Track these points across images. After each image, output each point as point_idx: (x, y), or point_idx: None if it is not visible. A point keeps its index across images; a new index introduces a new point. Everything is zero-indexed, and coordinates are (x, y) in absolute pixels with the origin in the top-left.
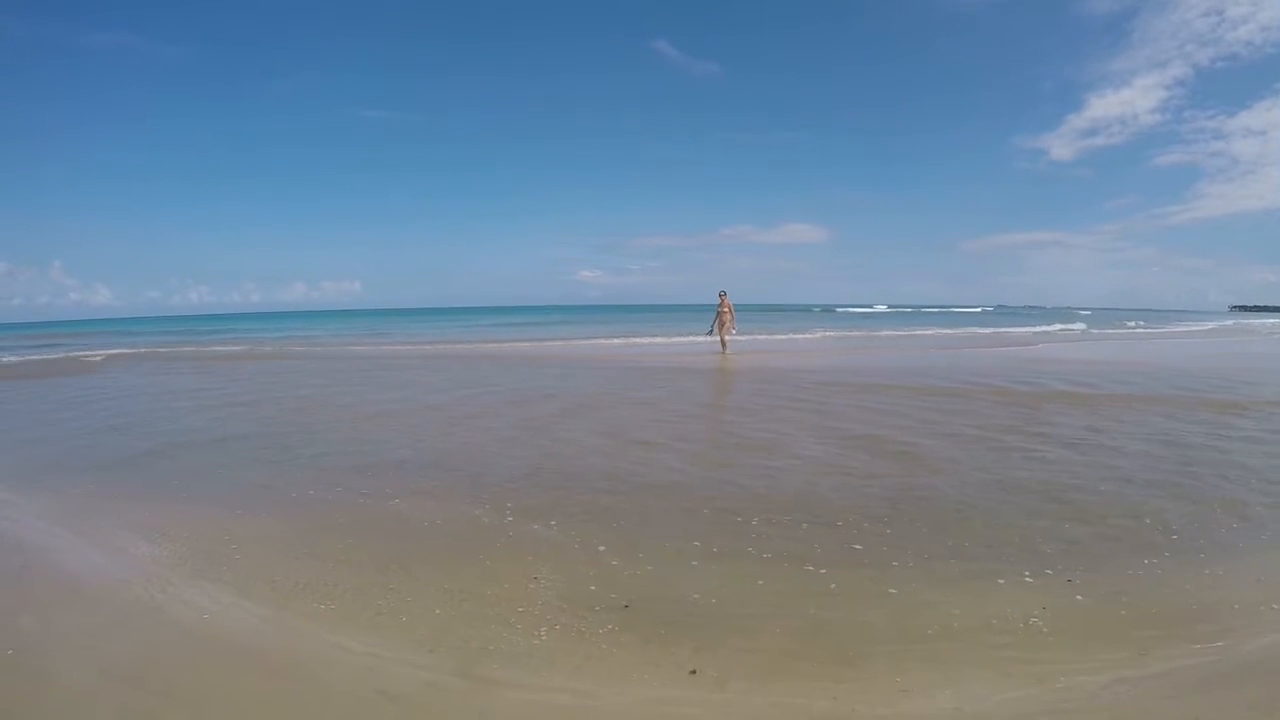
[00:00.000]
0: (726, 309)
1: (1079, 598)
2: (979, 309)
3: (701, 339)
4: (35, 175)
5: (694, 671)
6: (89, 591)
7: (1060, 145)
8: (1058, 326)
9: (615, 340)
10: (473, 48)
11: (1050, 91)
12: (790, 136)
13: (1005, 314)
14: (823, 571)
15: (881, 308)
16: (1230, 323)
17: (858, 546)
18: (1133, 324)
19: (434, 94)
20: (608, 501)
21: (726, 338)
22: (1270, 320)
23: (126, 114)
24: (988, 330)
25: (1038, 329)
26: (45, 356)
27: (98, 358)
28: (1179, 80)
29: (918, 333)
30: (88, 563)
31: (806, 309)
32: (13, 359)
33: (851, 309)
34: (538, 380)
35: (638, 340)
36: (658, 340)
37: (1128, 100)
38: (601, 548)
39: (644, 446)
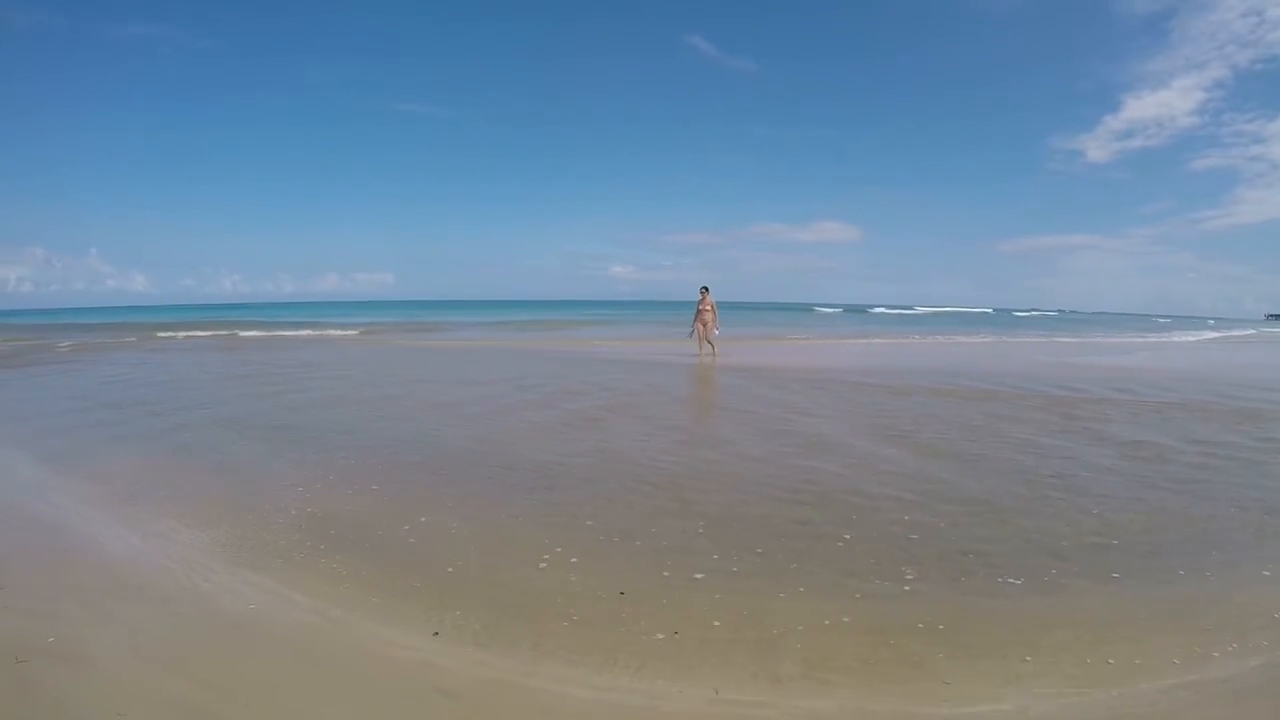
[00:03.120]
0: (709, 307)
1: (1135, 603)
2: (1027, 313)
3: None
4: (70, 165)
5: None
6: (132, 579)
7: (1096, 147)
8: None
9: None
10: (504, 47)
11: (1087, 92)
12: (823, 133)
13: (1069, 320)
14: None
15: (923, 309)
16: None
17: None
18: None
19: (464, 90)
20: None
21: (710, 338)
22: None
23: (160, 106)
24: (1113, 337)
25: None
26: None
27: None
28: (1218, 82)
29: (1060, 339)
30: (130, 549)
31: (859, 309)
32: (66, 343)
33: (889, 310)
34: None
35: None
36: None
37: (1165, 102)
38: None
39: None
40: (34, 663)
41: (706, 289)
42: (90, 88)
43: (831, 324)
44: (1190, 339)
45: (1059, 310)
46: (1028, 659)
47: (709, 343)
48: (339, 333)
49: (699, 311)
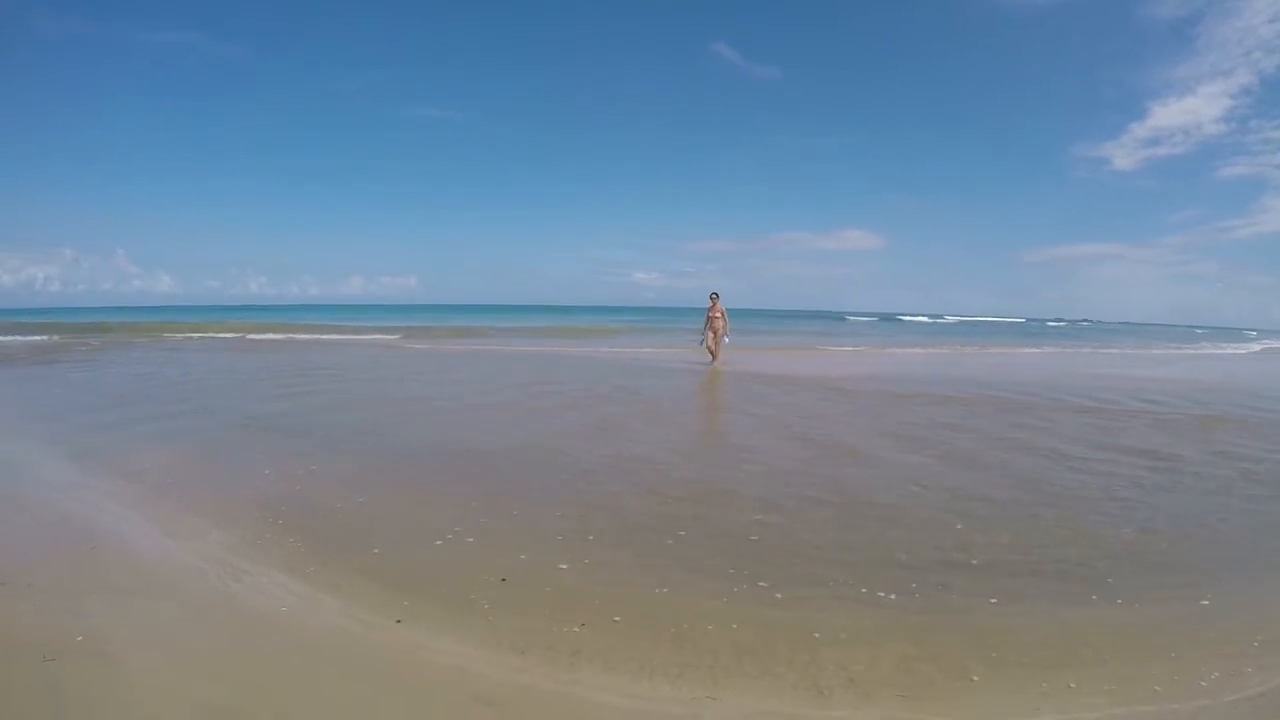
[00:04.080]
0: (719, 314)
1: (1170, 618)
2: (1057, 322)
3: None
4: (97, 167)
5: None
6: (161, 578)
7: (1122, 155)
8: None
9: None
10: (527, 52)
11: (1112, 99)
12: (848, 141)
13: (1102, 331)
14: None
15: (953, 318)
16: None
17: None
18: None
19: (486, 94)
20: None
21: (718, 346)
22: None
23: (185, 112)
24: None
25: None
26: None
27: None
28: (1244, 89)
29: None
30: (159, 547)
31: (889, 317)
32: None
33: (928, 319)
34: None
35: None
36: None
37: (1191, 109)
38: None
39: None
40: (62, 661)
41: (716, 295)
42: (116, 93)
43: (871, 333)
44: (1239, 350)
45: (1085, 320)
46: (1062, 668)
47: (714, 351)
48: (382, 337)
49: (709, 319)
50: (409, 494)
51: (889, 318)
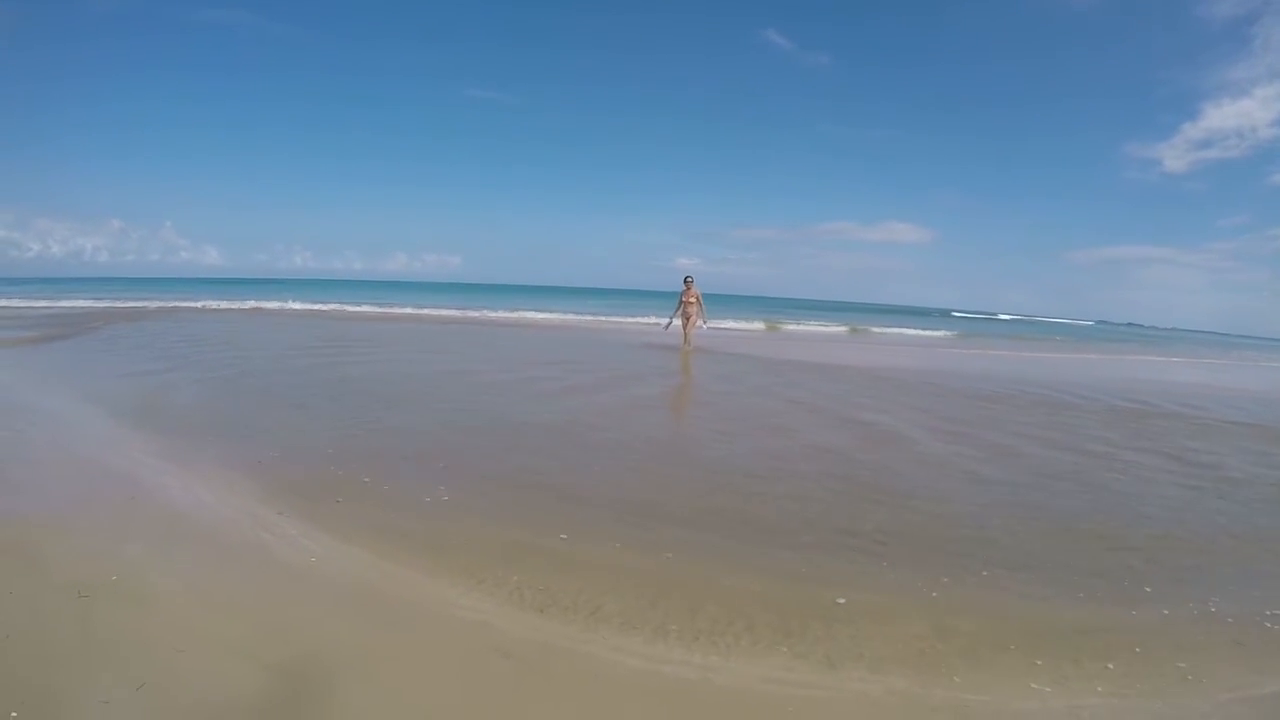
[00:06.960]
0: (693, 299)
1: (1187, 614)
2: (1126, 326)
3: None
4: (147, 139)
5: None
6: (195, 527)
7: (1174, 156)
8: None
9: None
10: (576, 37)
11: (1165, 98)
12: (897, 133)
13: (1169, 338)
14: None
15: (1006, 316)
16: None
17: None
18: None
19: (535, 77)
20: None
21: (691, 332)
22: None
23: (234, 88)
24: None
25: None
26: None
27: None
28: None
29: None
30: (195, 499)
31: (946, 314)
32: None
33: (1004, 316)
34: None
35: None
36: None
37: (1246, 111)
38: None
39: None
40: (95, 598)
41: (691, 279)
42: (165, 69)
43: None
44: None
45: (1128, 324)
46: (1078, 658)
47: (687, 337)
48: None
49: (682, 304)
50: (436, 460)
51: (945, 314)
